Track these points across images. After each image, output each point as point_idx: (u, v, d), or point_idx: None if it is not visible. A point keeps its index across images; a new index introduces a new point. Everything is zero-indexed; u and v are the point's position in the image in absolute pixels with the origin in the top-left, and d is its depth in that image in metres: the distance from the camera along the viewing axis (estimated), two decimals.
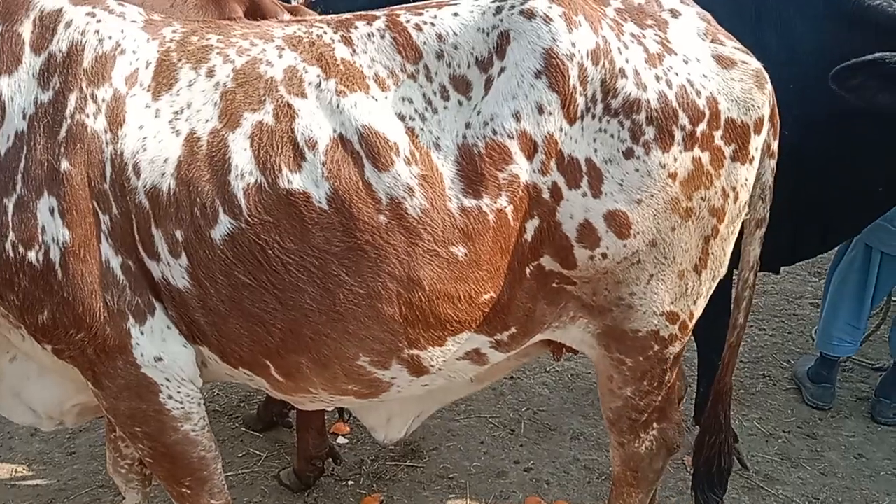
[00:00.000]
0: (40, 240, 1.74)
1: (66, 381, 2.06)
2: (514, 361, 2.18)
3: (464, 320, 1.87)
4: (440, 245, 1.78)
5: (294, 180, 1.75)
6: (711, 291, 2.03)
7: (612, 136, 1.79)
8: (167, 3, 2.92)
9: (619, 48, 1.81)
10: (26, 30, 1.82)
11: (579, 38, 1.78)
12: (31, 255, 1.75)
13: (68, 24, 1.83)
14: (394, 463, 3.20)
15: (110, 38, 1.84)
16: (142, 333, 1.83)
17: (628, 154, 1.79)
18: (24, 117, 1.77)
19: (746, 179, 1.92)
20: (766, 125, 1.92)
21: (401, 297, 1.80)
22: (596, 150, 1.79)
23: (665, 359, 2.01)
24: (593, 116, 1.79)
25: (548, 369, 3.87)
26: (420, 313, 1.82)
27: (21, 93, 1.79)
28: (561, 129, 1.78)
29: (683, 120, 1.80)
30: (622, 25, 1.85)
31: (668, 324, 1.96)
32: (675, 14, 1.91)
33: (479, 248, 1.80)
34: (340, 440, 3.31)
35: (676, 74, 1.82)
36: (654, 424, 2.15)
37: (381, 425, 2.26)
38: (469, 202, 1.78)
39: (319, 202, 1.75)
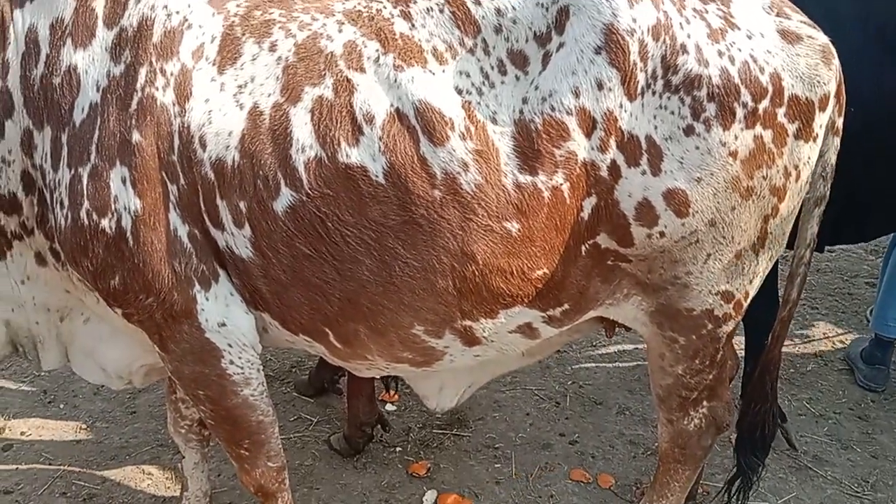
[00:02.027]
0: (113, 208, 1.82)
1: (134, 343, 2.15)
2: (565, 337, 2.20)
3: (516, 294, 1.89)
4: (494, 220, 1.80)
5: (352, 154, 1.79)
6: (768, 270, 2.02)
7: (672, 112, 1.78)
8: None
9: (680, 23, 1.79)
10: (99, 4, 1.88)
11: (640, 14, 1.77)
12: (104, 222, 1.82)
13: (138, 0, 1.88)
14: (440, 431, 3.26)
15: (178, 12, 1.89)
16: (207, 299, 1.90)
17: (689, 131, 1.78)
18: (97, 90, 1.84)
19: (809, 157, 1.89)
20: (832, 102, 1.88)
21: (454, 270, 1.83)
22: (656, 128, 1.78)
23: (718, 338, 2.01)
24: (654, 93, 1.78)
25: (594, 344, 3.88)
26: (473, 286, 1.85)
27: (95, 66, 1.85)
28: (621, 106, 1.77)
29: (745, 97, 1.78)
30: (684, 1, 1.83)
31: (722, 303, 1.96)
32: None
33: (533, 225, 1.81)
34: (389, 407, 3.39)
35: (739, 50, 1.79)
36: (704, 402, 2.16)
37: (433, 394, 2.31)
38: (524, 178, 1.79)
39: (376, 176, 1.79)
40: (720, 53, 1.78)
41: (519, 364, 2.35)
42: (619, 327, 2.19)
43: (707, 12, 1.82)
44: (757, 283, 2.00)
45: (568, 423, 3.31)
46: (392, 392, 3.42)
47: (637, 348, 3.77)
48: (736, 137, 1.79)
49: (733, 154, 1.80)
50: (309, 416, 3.38)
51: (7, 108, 1.88)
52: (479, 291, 1.86)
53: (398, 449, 3.17)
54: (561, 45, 1.80)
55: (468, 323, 1.92)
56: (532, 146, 1.79)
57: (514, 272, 1.86)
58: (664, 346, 2.05)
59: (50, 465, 3.10)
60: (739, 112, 1.78)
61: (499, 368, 2.31)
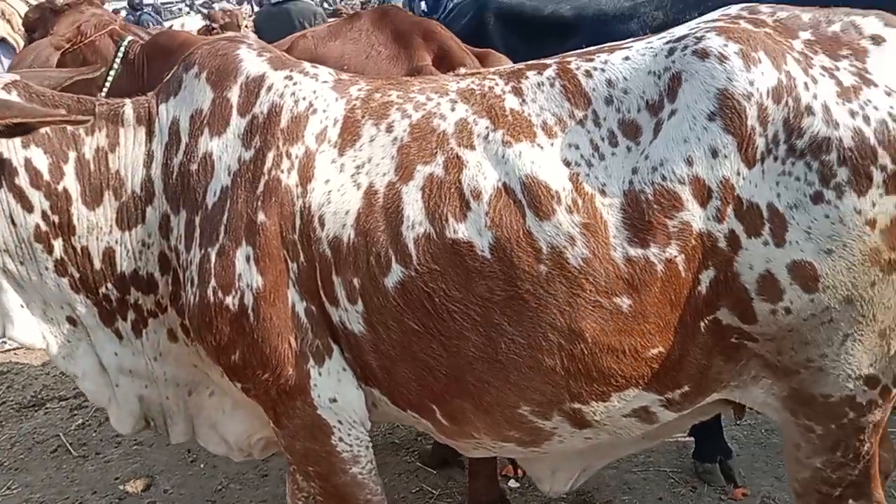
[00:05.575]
0: (237, 285, 1.92)
1: (254, 416, 2.21)
2: (689, 419, 2.05)
3: (630, 375, 1.79)
4: (603, 296, 1.73)
5: (459, 230, 1.80)
6: None
7: (797, 179, 1.66)
8: (363, 56, 3.15)
9: (805, 83, 1.68)
10: (234, 95, 2.03)
11: (758, 76, 1.68)
12: (229, 299, 1.92)
13: (269, 88, 2.02)
14: None
15: (304, 98, 2.00)
16: (320, 374, 1.95)
17: (817, 199, 1.65)
18: (229, 174, 1.97)
19: None
20: None
21: (562, 348, 1.77)
22: (779, 195, 1.67)
23: (862, 427, 1.79)
24: (775, 158, 1.67)
25: (738, 422, 3.58)
26: (582, 366, 1.78)
27: (228, 152, 1.99)
28: (738, 173, 1.68)
29: (884, 159, 1.63)
30: (811, 59, 1.72)
31: (865, 388, 1.75)
32: (877, 40, 1.75)
33: (645, 300, 1.73)
34: (512, 484, 3.29)
35: (876, 108, 1.65)
36: (850, 501, 1.90)
37: (546, 477, 2.21)
38: (635, 251, 1.72)
39: (482, 251, 1.78)
40: (852, 113, 1.65)
41: (638, 447, 2.21)
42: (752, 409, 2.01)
43: (838, 69, 1.71)
44: None
45: None
46: (517, 467, 3.32)
47: None
48: (874, 204, 1.63)
49: (871, 223, 1.64)
50: (431, 489, 3.34)
51: (149, 196, 2.06)
52: (588, 371, 1.78)
53: None
54: (673, 113, 1.74)
55: (577, 406, 1.84)
56: (642, 217, 1.72)
57: (627, 351, 1.77)
58: (799, 436, 1.85)
59: None
60: (877, 176, 1.63)
61: (615, 452, 2.18)
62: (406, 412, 2.02)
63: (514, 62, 2.28)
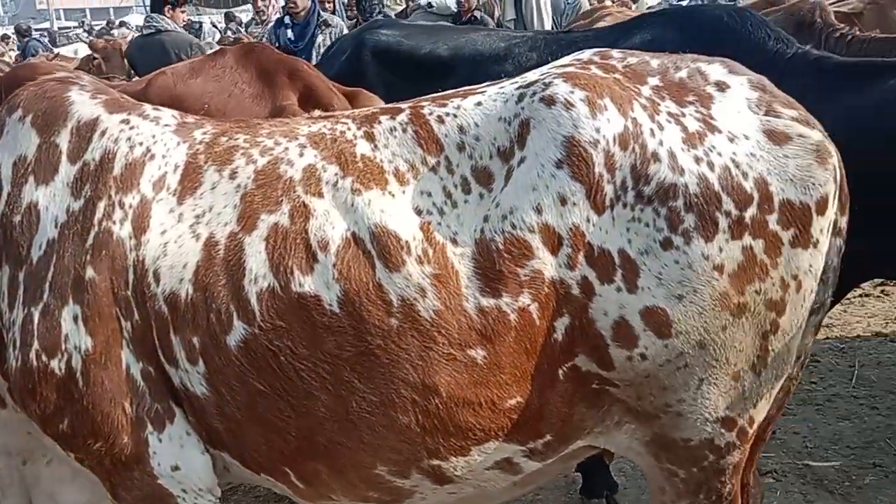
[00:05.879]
0: (63, 348, 1.76)
1: (95, 485, 2.03)
2: (559, 465, 2.00)
3: (489, 428, 1.73)
4: (456, 348, 1.67)
5: (306, 283, 1.70)
6: (776, 390, 1.81)
7: (646, 225, 1.65)
8: (225, 94, 3.03)
9: (651, 129, 1.68)
10: (63, 140, 1.87)
11: (604, 123, 1.67)
12: (54, 363, 1.76)
13: (103, 133, 1.87)
14: None
15: (141, 143, 1.87)
16: (159, 441, 1.81)
17: (666, 245, 1.64)
18: (56, 226, 1.81)
19: (811, 265, 1.71)
20: (832, 203, 1.71)
21: (416, 404, 1.69)
22: (630, 241, 1.65)
23: (722, 469, 1.79)
24: (624, 205, 1.66)
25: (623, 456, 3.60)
26: (438, 421, 1.71)
27: (55, 202, 1.83)
28: (588, 220, 1.66)
29: (728, 205, 1.64)
30: (658, 105, 1.72)
31: (723, 431, 1.75)
32: (721, 87, 1.76)
33: (500, 350, 1.68)
34: None
35: (719, 154, 1.67)
36: None
37: None
38: (487, 301, 1.67)
39: (330, 305, 1.69)
40: (697, 159, 1.66)
41: (512, 495, 2.13)
42: None
43: (684, 116, 1.71)
44: (763, 405, 1.79)
45: None
46: None
47: None
48: (721, 249, 1.64)
49: (719, 268, 1.64)
50: None
51: None
52: (444, 427, 1.71)
53: None
54: (522, 160, 1.71)
55: (436, 462, 1.76)
56: (494, 267, 1.67)
57: (484, 403, 1.71)
58: (664, 480, 1.84)
59: None
60: (722, 222, 1.64)
61: (488, 502, 2.11)
62: (260, 475, 1.89)
63: (392, 101, 2.23)
